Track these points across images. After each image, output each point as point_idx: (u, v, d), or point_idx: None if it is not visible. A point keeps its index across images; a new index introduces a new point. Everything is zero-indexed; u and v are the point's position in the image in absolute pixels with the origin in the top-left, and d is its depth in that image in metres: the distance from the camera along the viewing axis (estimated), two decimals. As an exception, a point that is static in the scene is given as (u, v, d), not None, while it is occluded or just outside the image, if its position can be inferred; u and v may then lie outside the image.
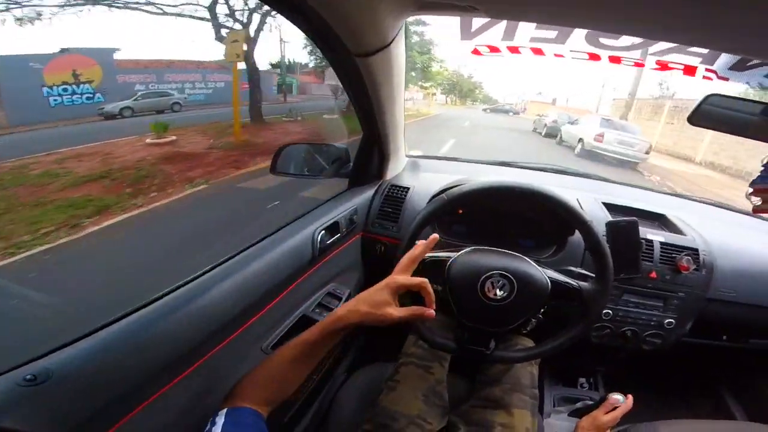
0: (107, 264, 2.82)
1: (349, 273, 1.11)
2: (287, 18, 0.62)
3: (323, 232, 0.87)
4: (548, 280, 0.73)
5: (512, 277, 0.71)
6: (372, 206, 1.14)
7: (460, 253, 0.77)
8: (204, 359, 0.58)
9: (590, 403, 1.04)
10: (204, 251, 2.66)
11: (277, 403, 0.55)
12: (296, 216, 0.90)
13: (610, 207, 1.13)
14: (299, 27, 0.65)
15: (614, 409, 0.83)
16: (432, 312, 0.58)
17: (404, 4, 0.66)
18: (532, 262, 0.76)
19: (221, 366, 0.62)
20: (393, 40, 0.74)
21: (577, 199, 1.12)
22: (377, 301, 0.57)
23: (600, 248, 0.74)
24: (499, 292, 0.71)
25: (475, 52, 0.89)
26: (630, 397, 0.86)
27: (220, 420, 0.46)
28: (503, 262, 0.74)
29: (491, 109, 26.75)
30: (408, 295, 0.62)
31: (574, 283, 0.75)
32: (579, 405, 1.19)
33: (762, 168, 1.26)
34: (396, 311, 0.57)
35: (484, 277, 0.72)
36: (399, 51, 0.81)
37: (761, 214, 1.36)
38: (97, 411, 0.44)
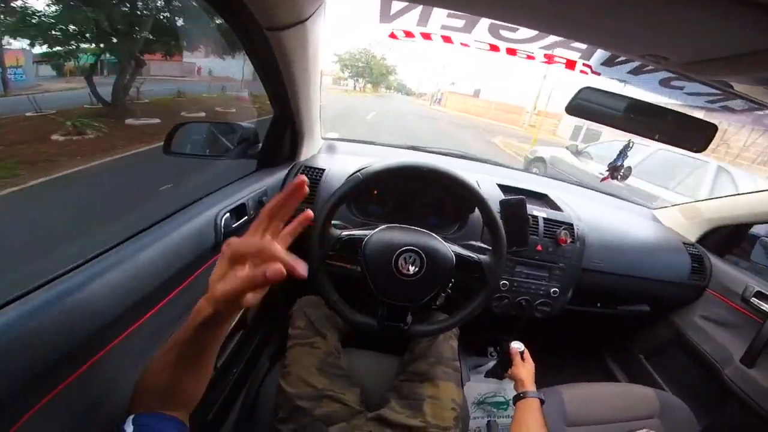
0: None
1: None
2: None
3: (227, 215, 0.80)
4: (452, 254, 0.78)
5: (422, 253, 0.75)
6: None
7: (374, 231, 0.79)
8: (94, 359, 0.50)
9: (495, 360, 1.19)
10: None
11: (190, 406, 0.48)
12: (195, 198, 0.81)
13: (504, 188, 1.26)
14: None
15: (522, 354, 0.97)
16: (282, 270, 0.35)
17: None
18: (439, 238, 0.80)
19: (119, 366, 0.54)
20: (311, 16, 0.70)
21: (477, 181, 1.24)
22: (212, 279, 0.39)
23: (495, 223, 0.81)
24: (411, 268, 0.75)
25: (392, 35, 0.91)
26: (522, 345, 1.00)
27: (129, 428, 0.40)
28: (414, 238, 0.77)
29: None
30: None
31: (475, 256, 0.82)
32: (490, 365, 1.34)
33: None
34: (222, 285, 0.37)
35: (397, 253, 0.75)
36: (316, 28, 0.78)
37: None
38: None
